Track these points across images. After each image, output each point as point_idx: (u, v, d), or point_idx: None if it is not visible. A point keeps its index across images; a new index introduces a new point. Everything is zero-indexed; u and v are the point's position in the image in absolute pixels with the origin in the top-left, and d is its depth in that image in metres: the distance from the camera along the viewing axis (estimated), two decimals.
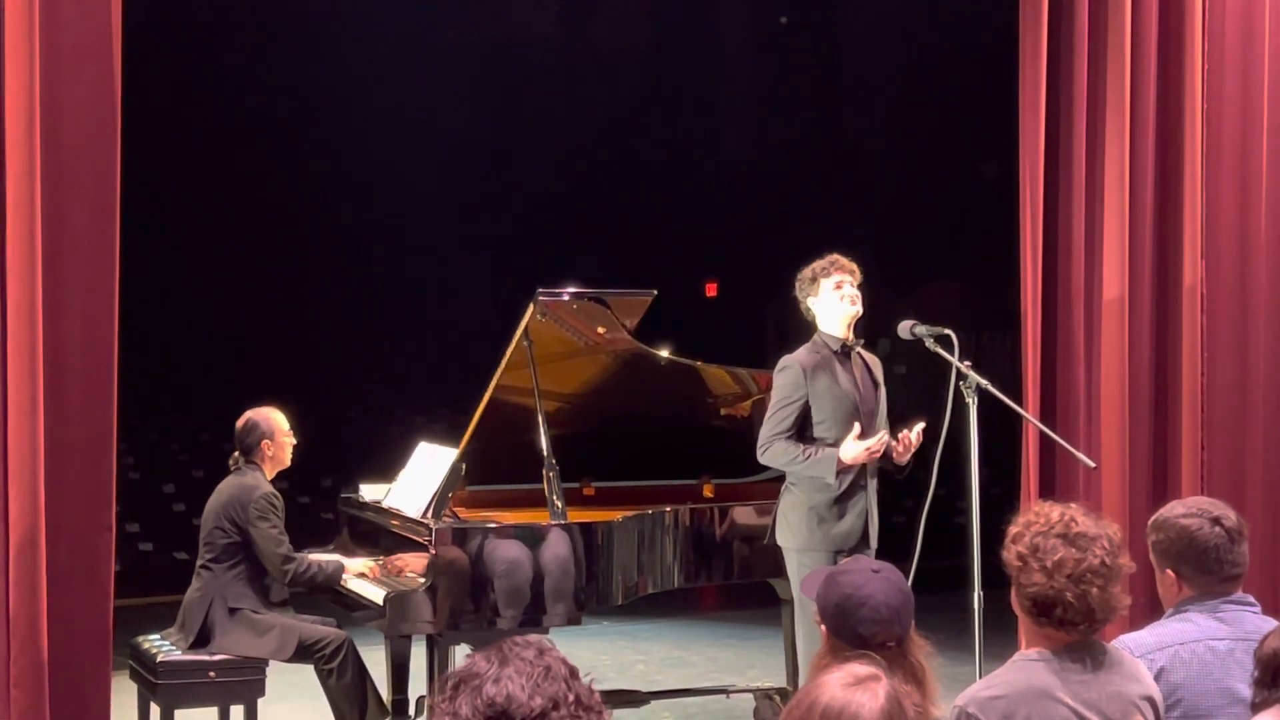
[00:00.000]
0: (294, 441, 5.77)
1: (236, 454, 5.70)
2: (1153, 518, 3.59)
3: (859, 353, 5.57)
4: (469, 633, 5.33)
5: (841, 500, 5.41)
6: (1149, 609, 3.98)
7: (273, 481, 5.69)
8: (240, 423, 5.70)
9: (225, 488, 5.65)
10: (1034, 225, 6.24)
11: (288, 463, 5.76)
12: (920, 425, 5.41)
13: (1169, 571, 3.51)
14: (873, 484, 5.49)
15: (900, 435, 5.44)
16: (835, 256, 5.54)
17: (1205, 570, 3.45)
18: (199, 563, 5.63)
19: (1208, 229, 6.50)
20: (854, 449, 5.33)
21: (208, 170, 14.32)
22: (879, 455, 5.40)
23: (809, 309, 5.58)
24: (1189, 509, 3.52)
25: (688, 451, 6.45)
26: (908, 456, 5.45)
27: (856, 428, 5.38)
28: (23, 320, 4.80)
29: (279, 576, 5.53)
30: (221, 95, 14.15)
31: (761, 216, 15.37)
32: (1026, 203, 6.26)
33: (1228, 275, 6.49)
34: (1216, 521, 3.46)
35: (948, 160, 14.60)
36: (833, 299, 5.51)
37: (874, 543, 5.47)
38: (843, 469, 5.35)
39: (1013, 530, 3.18)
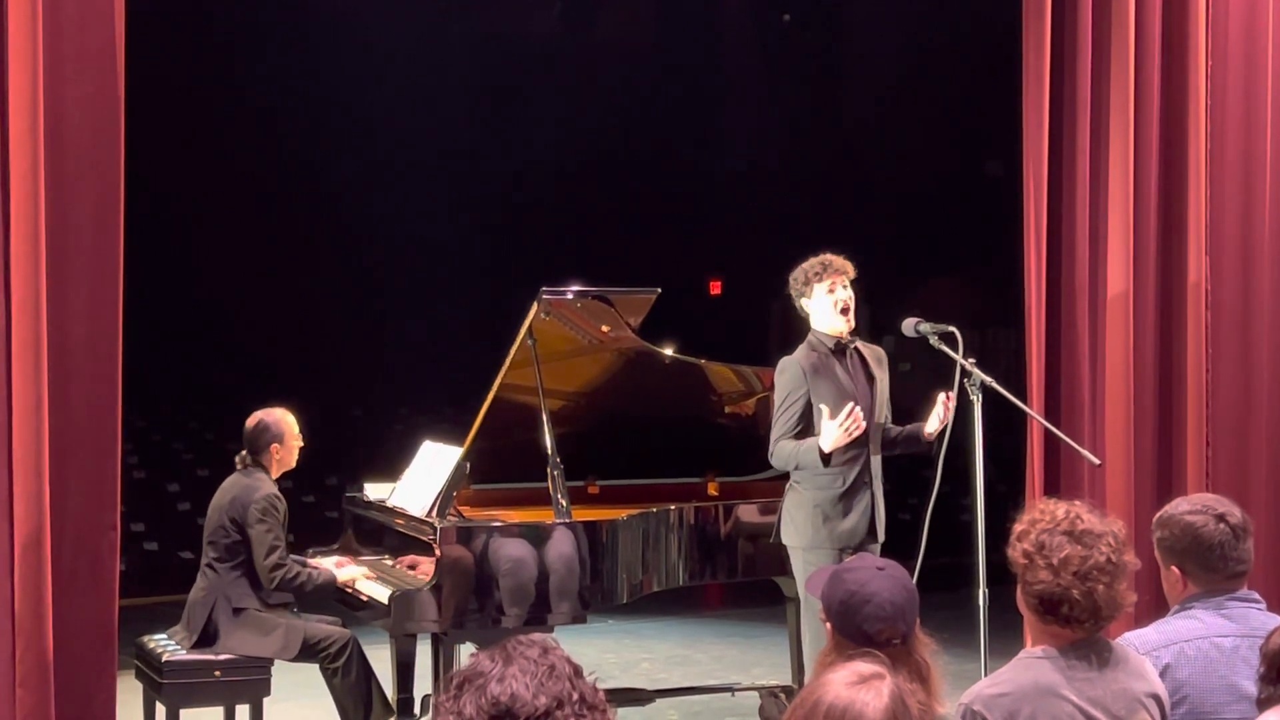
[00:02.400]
0: (302, 444, 5.76)
1: (244, 453, 5.69)
2: (1158, 515, 3.58)
3: (856, 347, 5.56)
4: (474, 631, 5.33)
5: (846, 498, 5.40)
6: (1154, 606, 3.98)
7: (277, 481, 5.68)
8: (251, 423, 5.68)
9: (229, 487, 5.64)
10: (1038, 222, 6.23)
11: (293, 465, 5.76)
12: (953, 397, 5.27)
13: (1174, 568, 3.50)
14: (878, 480, 5.49)
15: (940, 405, 5.30)
16: (829, 257, 5.48)
17: (1210, 567, 3.45)
18: (204, 562, 5.62)
19: (1212, 225, 6.49)
20: (829, 432, 5.26)
21: (212, 170, 14.33)
22: (860, 430, 5.29)
23: (803, 308, 5.56)
24: (1194, 506, 3.52)
25: (692, 449, 6.44)
26: (939, 428, 5.36)
27: (825, 411, 5.30)
28: (27, 320, 4.79)
29: (265, 582, 5.51)
30: (224, 95, 14.16)
31: (765, 214, 15.36)
32: (1030, 199, 6.24)
33: (1232, 271, 6.48)
34: (1221, 518, 3.46)
35: (951, 157, 14.59)
36: (826, 304, 5.47)
37: (881, 536, 5.46)
38: (830, 454, 5.28)
39: (1018, 528, 3.17)
